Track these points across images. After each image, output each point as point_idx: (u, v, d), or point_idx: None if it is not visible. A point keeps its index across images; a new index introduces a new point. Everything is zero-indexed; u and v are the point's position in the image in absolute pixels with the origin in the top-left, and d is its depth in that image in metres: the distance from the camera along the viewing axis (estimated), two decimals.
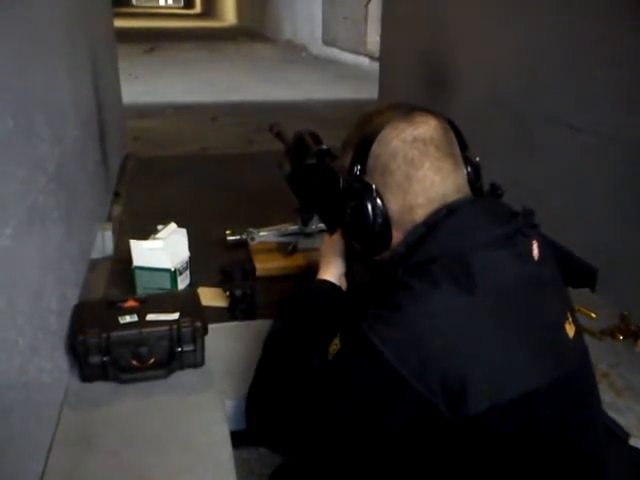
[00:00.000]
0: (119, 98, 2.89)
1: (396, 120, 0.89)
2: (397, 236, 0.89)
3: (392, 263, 0.86)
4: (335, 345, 0.83)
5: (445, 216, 0.85)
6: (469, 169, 0.92)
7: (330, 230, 1.11)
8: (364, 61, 8.13)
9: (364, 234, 0.92)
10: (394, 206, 0.89)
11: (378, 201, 0.89)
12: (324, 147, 1.20)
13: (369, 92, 4.63)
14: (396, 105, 0.95)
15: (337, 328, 0.86)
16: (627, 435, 1.06)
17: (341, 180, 0.94)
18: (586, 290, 1.57)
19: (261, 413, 0.93)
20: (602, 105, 1.61)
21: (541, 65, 1.88)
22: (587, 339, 0.94)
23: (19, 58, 1.06)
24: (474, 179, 0.93)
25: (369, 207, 0.89)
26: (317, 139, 1.29)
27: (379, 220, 0.89)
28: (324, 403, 0.83)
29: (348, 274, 1.08)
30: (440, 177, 0.88)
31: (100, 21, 2.39)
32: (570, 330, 0.86)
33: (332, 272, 1.08)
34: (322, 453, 0.88)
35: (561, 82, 1.77)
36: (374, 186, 0.89)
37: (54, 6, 1.43)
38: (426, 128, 0.89)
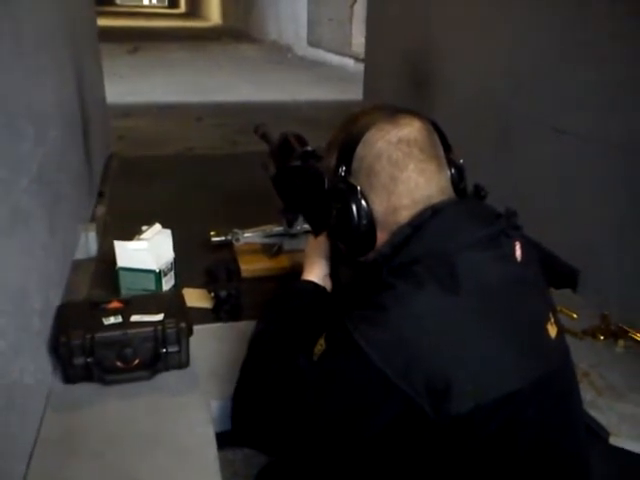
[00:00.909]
0: (103, 97, 2.87)
1: (381, 121, 0.90)
2: (382, 237, 0.90)
3: (376, 264, 0.87)
4: (320, 345, 0.84)
5: (430, 217, 0.86)
6: (453, 171, 0.93)
7: (315, 231, 1.11)
8: (349, 62, 8.15)
9: (349, 235, 0.92)
10: (379, 207, 0.89)
11: (363, 202, 0.89)
12: (309, 148, 1.20)
13: (354, 93, 4.65)
14: (381, 106, 0.95)
15: (322, 328, 0.86)
16: (608, 434, 1.08)
17: (326, 181, 0.94)
18: (568, 290, 1.59)
19: (246, 413, 0.93)
20: (586, 107, 1.63)
21: (525, 66, 1.90)
22: (568, 339, 0.96)
23: (1, 55, 1.05)
24: (458, 181, 0.94)
25: (354, 208, 0.89)
26: (302, 141, 1.29)
27: (364, 221, 0.89)
28: (310, 403, 0.83)
29: (333, 275, 1.08)
30: (424, 179, 0.88)
31: (83, 20, 2.37)
32: (552, 330, 0.87)
33: (316, 273, 1.08)
34: (307, 453, 0.88)
35: (545, 84, 1.79)
36: (359, 187, 0.89)
37: (36, 4, 1.42)
38: (410, 130, 0.89)
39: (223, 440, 1.06)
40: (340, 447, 0.84)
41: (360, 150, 0.90)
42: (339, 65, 8.45)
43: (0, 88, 1.02)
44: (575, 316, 1.43)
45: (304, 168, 1.10)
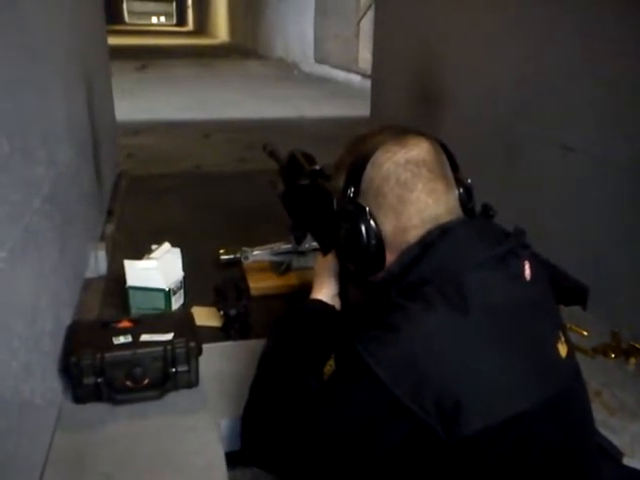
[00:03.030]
0: (113, 116, 2.91)
1: (388, 143, 0.91)
2: (390, 257, 0.90)
3: (385, 284, 0.87)
4: (330, 366, 0.84)
5: (438, 237, 0.86)
6: (461, 190, 0.94)
7: (324, 250, 1.12)
8: (356, 78, 8.20)
9: (358, 255, 0.92)
10: (387, 228, 0.90)
11: (372, 223, 0.89)
12: (317, 167, 1.21)
13: (361, 109, 4.67)
14: (388, 127, 0.96)
15: (331, 349, 0.86)
16: (621, 455, 1.07)
17: (334, 202, 0.95)
18: (577, 308, 1.58)
19: (256, 434, 0.93)
20: (593, 125, 1.63)
21: (532, 83, 1.91)
22: (579, 357, 0.95)
23: (15, 80, 1.07)
24: (466, 200, 0.94)
25: (363, 229, 0.89)
26: (310, 159, 1.29)
27: (373, 242, 0.90)
28: (320, 424, 0.83)
29: (341, 294, 1.08)
30: (433, 199, 0.89)
31: (95, 39, 2.40)
32: (562, 350, 0.87)
33: (325, 292, 1.08)
34: (317, 474, 0.88)
35: (552, 100, 1.80)
36: (367, 208, 0.90)
37: (49, 27, 1.44)
38: (418, 150, 0.90)
39: (232, 460, 1.06)
40: (350, 468, 0.84)
41: (368, 171, 0.90)
42: (345, 81, 8.50)
43: (15, 112, 1.04)
44: (585, 333, 1.42)
45: (313, 187, 1.10)
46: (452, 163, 0.95)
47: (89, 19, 2.28)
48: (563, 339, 0.89)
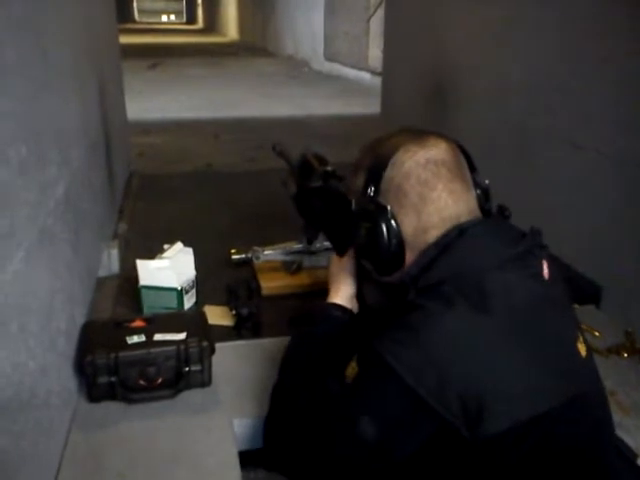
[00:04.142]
0: (124, 115, 2.92)
1: (408, 143, 0.91)
2: (410, 257, 0.90)
3: (403, 284, 0.87)
4: (352, 369, 0.84)
5: (457, 237, 0.86)
6: (479, 191, 0.94)
7: (339, 251, 1.11)
8: (366, 76, 8.18)
9: (378, 255, 0.92)
10: (408, 227, 0.90)
11: (392, 222, 0.90)
12: (329, 169, 1.21)
13: (371, 107, 4.65)
14: (406, 129, 0.97)
15: (352, 351, 0.86)
16: (635, 455, 1.06)
17: (353, 202, 0.95)
18: (590, 307, 1.57)
19: (281, 440, 0.93)
20: (605, 123, 1.62)
21: (544, 82, 1.90)
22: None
23: (32, 84, 1.07)
24: (484, 201, 0.94)
25: (384, 228, 0.90)
26: (322, 160, 1.30)
27: (394, 241, 0.90)
28: (344, 426, 0.83)
29: (358, 295, 1.08)
30: (453, 199, 0.89)
31: (106, 39, 2.41)
32: (582, 349, 0.87)
33: (342, 294, 1.08)
34: (341, 478, 0.88)
35: (563, 99, 1.79)
36: (389, 207, 0.90)
37: (64, 28, 1.45)
38: (438, 151, 0.90)
39: (245, 459, 1.06)
40: (375, 470, 0.84)
41: (389, 171, 0.90)
42: (355, 79, 8.48)
43: (32, 116, 1.05)
44: (597, 334, 1.42)
45: (326, 189, 1.11)
46: (470, 164, 0.95)
47: (101, 18, 2.29)
48: (582, 339, 0.88)
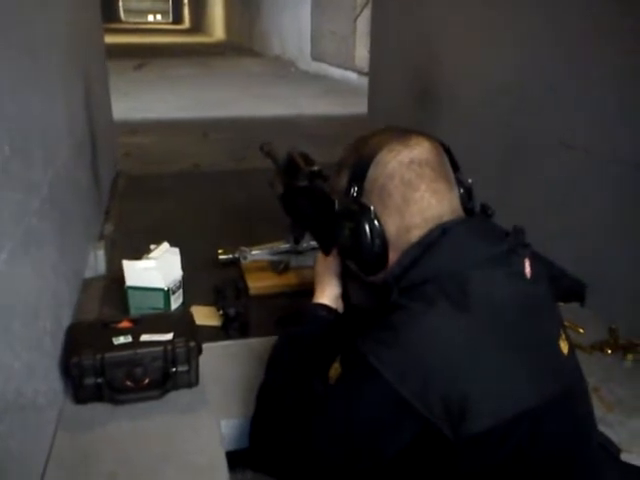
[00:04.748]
0: (110, 115, 2.90)
1: (392, 142, 0.91)
2: (393, 257, 0.90)
3: (387, 284, 0.87)
4: (335, 370, 0.84)
5: (439, 236, 0.86)
6: (462, 191, 0.94)
7: (324, 250, 1.12)
8: (352, 76, 8.19)
9: (361, 255, 0.92)
10: (391, 227, 0.90)
11: (376, 222, 0.90)
12: (315, 168, 1.21)
13: (358, 107, 4.67)
14: (390, 128, 0.97)
15: (336, 351, 0.87)
16: (619, 451, 1.08)
17: (337, 202, 0.95)
18: (575, 305, 1.59)
19: (266, 440, 0.93)
20: (593, 122, 1.63)
21: (533, 81, 1.91)
22: (577, 354, 0.96)
23: (15, 81, 1.07)
24: (466, 200, 0.95)
25: (367, 228, 0.90)
26: (308, 160, 1.30)
27: (377, 241, 0.90)
28: (327, 427, 0.84)
29: (343, 295, 1.09)
30: (436, 199, 0.89)
31: (92, 38, 2.40)
32: (564, 347, 0.88)
33: (328, 294, 1.08)
34: (326, 479, 0.88)
35: (552, 99, 1.80)
36: (372, 207, 0.90)
37: (49, 27, 1.44)
38: (421, 150, 0.90)
39: (233, 459, 1.06)
40: (358, 471, 0.84)
41: (372, 171, 0.90)
42: (342, 79, 8.49)
43: (16, 114, 1.04)
44: (581, 330, 1.43)
45: (311, 188, 1.11)
46: (453, 163, 0.95)
47: (86, 18, 2.28)
48: (564, 336, 0.89)
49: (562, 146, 1.74)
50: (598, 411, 1.14)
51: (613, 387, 1.23)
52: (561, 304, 1.19)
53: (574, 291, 1.60)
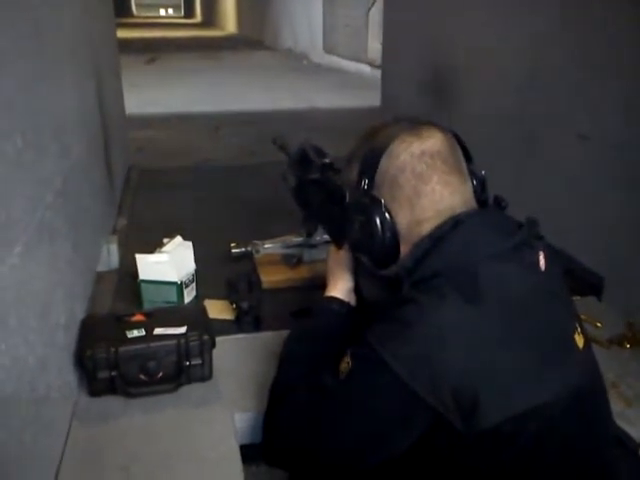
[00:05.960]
0: (123, 109, 2.91)
1: (403, 134, 0.89)
2: (405, 250, 0.89)
3: (398, 277, 0.86)
4: (346, 363, 0.83)
5: (451, 228, 0.85)
6: (475, 182, 0.93)
7: (337, 244, 1.11)
8: (365, 69, 8.15)
9: (372, 248, 0.91)
10: (402, 220, 0.89)
11: (387, 215, 0.88)
12: (327, 161, 1.20)
13: (371, 100, 4.64)
14: (401, 118, 0.95)
15: (347, 345, 0.86)
16: (637, 446, 1.06)
17: (347, 195, 0.94)
18: (592, 298, 1.57)
19: (279, 435, 0.93)
20: (610, 113, 1.61)
21: (548, 74, 1.88)
22: (594, 348, 0.94)
23: (28, 75, 1.07)
24: (480, 192, 0.93)
25: (378, 221, 0.88)
26: (320, 152, 1.29)
27: (388, 234, 0.89)
28: (339, 421, 0.83)
29: (356, 289, 1.08)
30: (448, 191, 0.88)
31: (104, 33, 2.40)
32: (580, 341, 0.86)
33: (340, 288, 1.07)
34: (335, 474, 0.88)
35: (567, 89, 1.78)
36: (383, 200, 0.89)
37: (60, 21, 1.44)
38: (433, 141, 0.89)
39: (247, 453, 1.06)
40: (370, 465, 0.84)
41: (383, 163, 0.89)
42: (355, 71, 8.45)
43: (28, 107, 1.04)
44: (599, 325, 1.41)
45: (323, 181, 1.10)
46: (466, 154, 0.93)
47: (99, 12, 2.28)
48: (580, 330, 0.88)
49: (577, 136, 1.71)
50: (616, 406, 1.13)
51: (632, 382, 1.22)
52: (578, 298, 1.17)
53: (591, 285, 1.59)
